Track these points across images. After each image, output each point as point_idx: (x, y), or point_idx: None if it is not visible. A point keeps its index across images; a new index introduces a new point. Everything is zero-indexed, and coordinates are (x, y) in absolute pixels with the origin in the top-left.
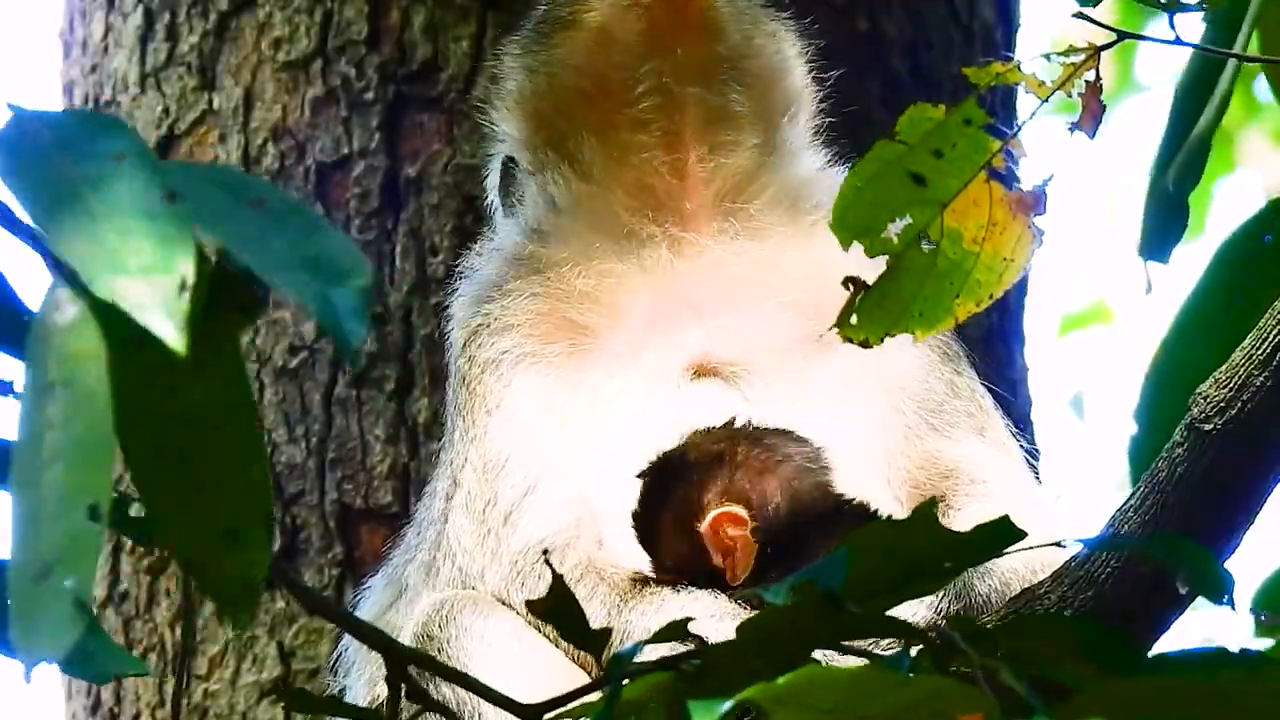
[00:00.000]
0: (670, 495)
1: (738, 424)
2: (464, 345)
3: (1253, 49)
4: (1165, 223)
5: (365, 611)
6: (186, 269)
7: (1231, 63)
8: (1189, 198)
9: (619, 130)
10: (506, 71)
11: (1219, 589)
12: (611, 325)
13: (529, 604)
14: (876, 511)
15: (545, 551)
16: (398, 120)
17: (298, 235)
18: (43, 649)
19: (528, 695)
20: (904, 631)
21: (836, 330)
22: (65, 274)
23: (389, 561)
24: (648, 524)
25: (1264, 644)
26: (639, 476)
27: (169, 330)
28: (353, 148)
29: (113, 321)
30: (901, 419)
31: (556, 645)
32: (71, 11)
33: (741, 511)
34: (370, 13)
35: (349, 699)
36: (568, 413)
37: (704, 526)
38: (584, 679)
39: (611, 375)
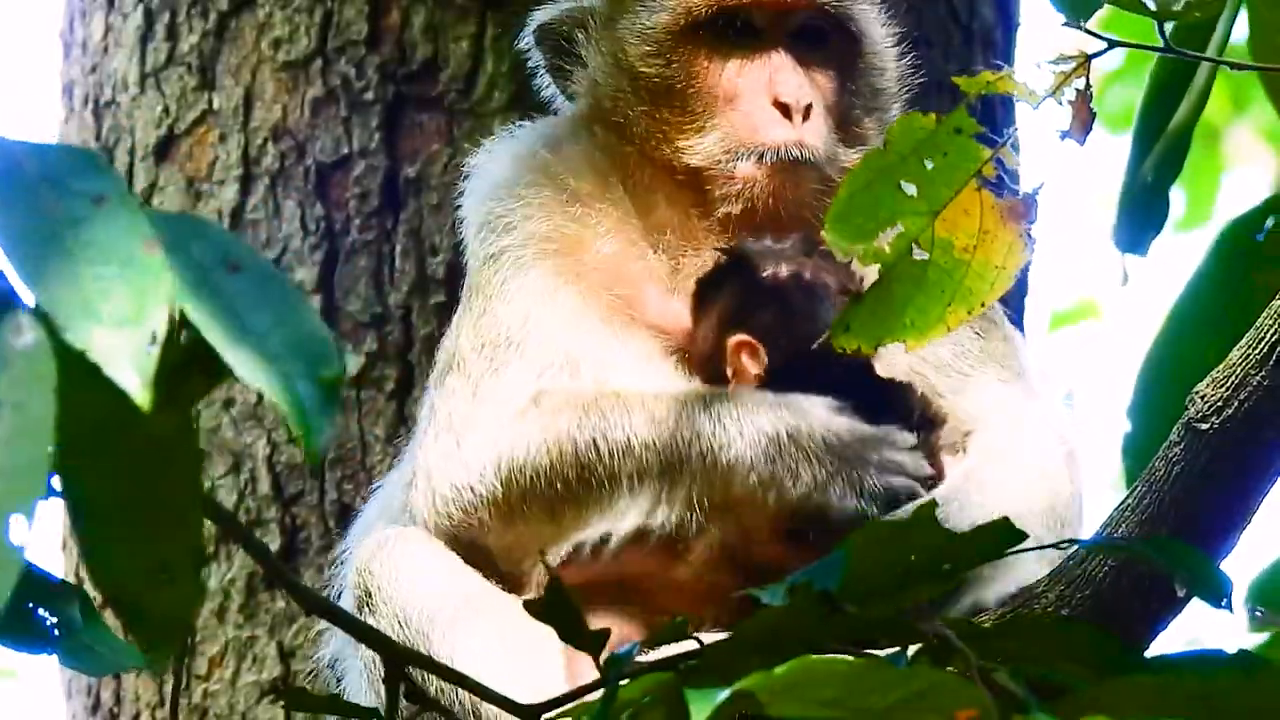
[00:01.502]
0: (725, 292)
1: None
2: (471, 241)
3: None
4: (1143, 215)
5: (356, 530)
6: (159, 322)
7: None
8: (1168, 190)
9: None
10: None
11: (1217, 592)
12: (610, 257)
13: (526, 604)
14: (895, 381)
15: (542, 552)
16: (397, 120)
17: (272, 313)
18: None
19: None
20: (902, 632)
21: (831, 339)
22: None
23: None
24: (699, 302)
25: (1258, 639)
26: (718, 250)
27: (135, 385)
28: (352, 148)
29: (76, 361)
30: (925, 383)
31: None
32: (71, 11)
33: (761, 350)
34: (370, 13)
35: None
36: (570, 314)
37: (730, 341)
38: (503, 597)
39: (612, 294)
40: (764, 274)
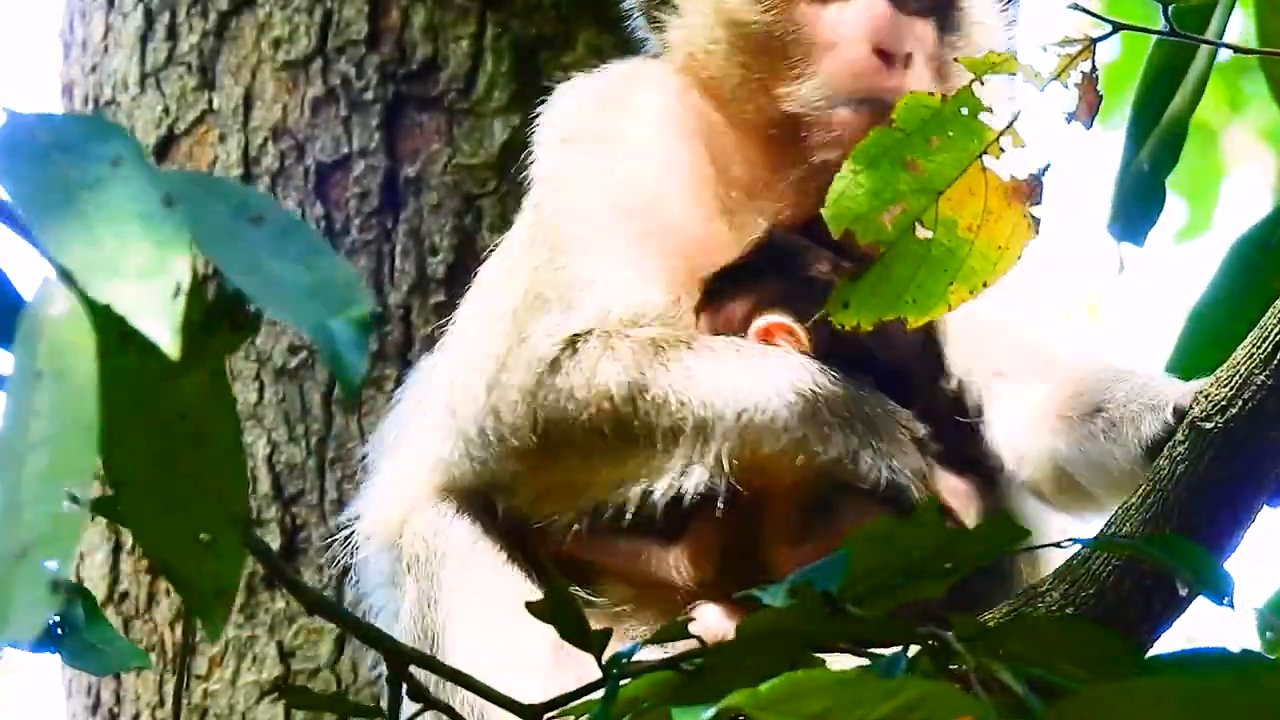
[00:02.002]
0: (765, 279)
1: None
2: (542, 184)
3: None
4: (1140, 204)
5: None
6: (182, 273)
7: (1205, 47)
8: (1165, 179)
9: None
10: None
11: (1220, 589)
12: (683, 219)
13: (529, 605)
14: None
15: (546, 550)
16: (397, 120)
17: (296, 259)
18: (16, 627)
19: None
20: (902, 633)
21: (828, 315)
22: (60, 271)
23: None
24: (724, 285)
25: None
26: (753, 241)
27: (163, 334)
28: (352, 147)
29: (105, 321)
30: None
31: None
32: (71, 11)
33: (801, 334)
34: (370, 13)
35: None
36: (635, 276)
37: (762, 323)
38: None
39: (680, 258)
40: (809, 267)
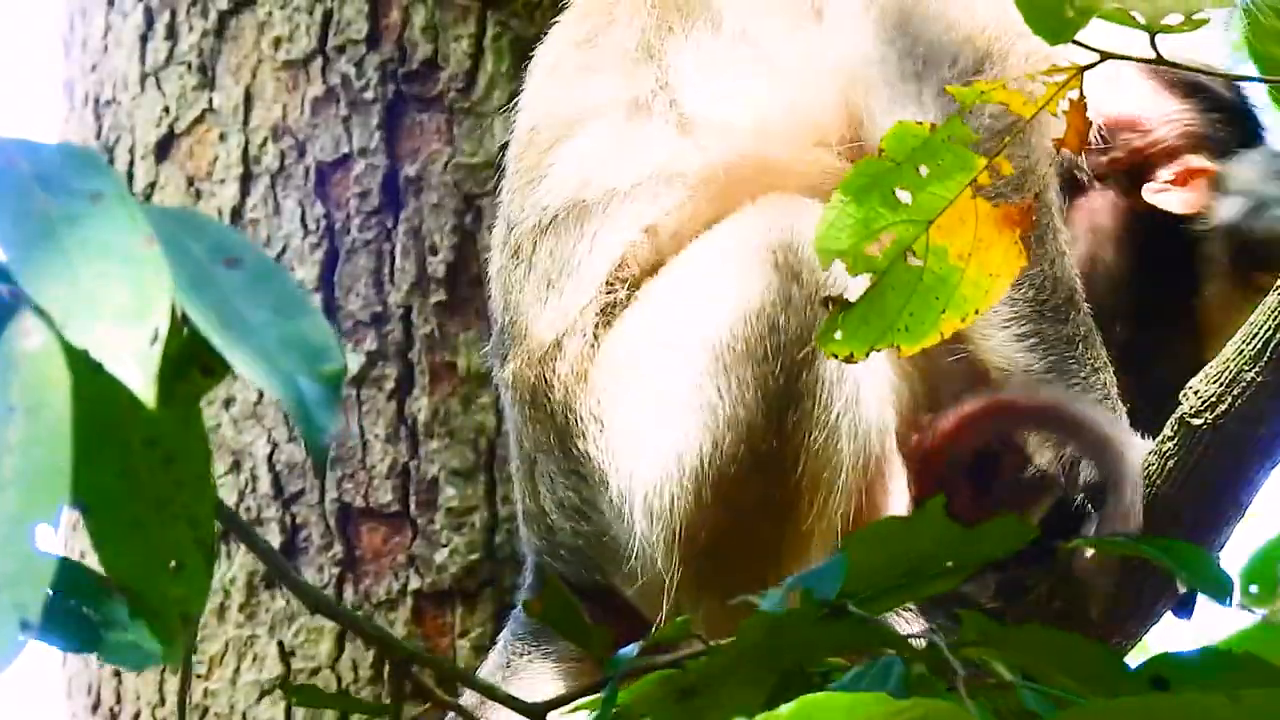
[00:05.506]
0: None
1: None
2: None
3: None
4: None
5: None
6: (161, 318)
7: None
8: None
9: None
10: None
11: (1222, 590)
12: None
13: (525, 605)
14: None
15: (537, 556)
16: (397, 119)
17: (270, 307)
18: None
19: None
20: (898, 643)
21: (818, 345)
22: (37, 306)
23: None
24: None
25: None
26: None
27: (140, 382)
28: (352, 147)
29: (78, 353)
30: None
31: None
32: (71, 10)
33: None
34: (370, 12)
35: None
36: None
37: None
38: None
39: None
40: None
